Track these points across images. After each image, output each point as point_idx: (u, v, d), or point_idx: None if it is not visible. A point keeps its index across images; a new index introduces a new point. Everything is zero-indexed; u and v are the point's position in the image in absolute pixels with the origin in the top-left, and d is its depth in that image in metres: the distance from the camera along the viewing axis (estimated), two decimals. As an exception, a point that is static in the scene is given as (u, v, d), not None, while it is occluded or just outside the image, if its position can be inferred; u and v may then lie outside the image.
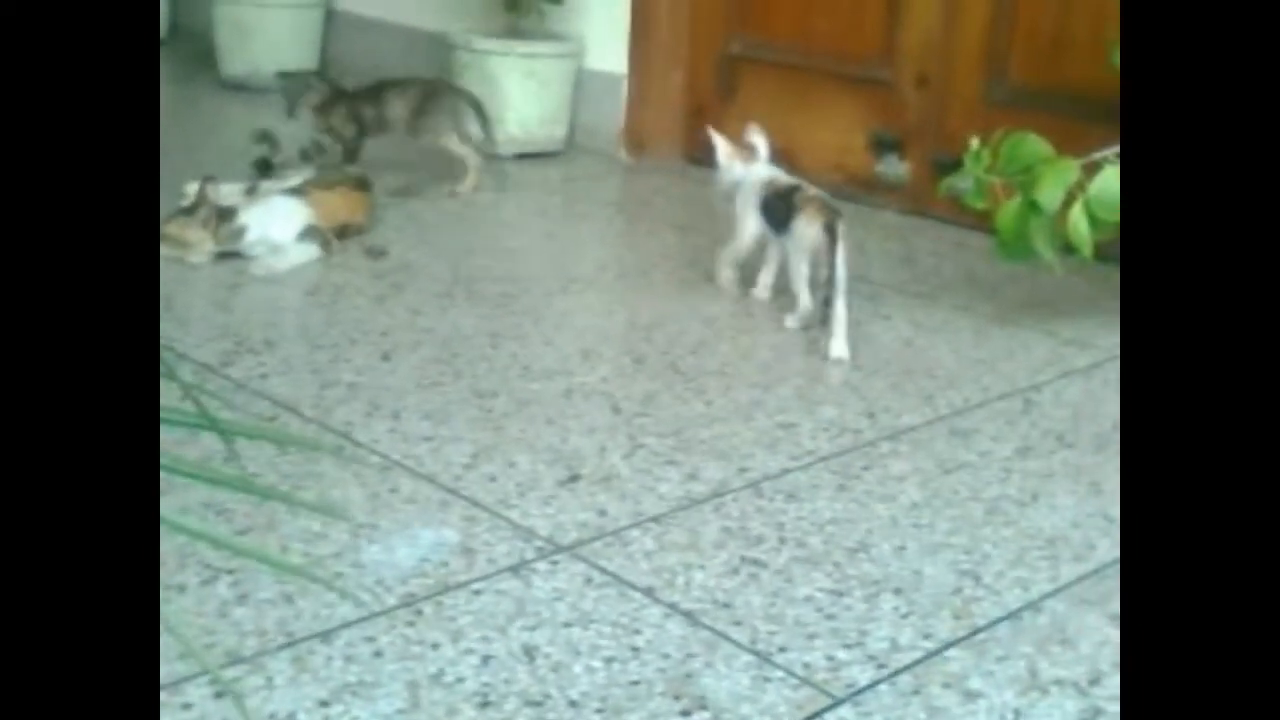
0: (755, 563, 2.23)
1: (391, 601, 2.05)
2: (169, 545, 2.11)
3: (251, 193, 3.69)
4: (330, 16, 5.36)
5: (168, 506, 1.24)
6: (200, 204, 3.48)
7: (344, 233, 3.67)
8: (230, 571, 2.08)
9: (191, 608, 1.98)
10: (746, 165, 3.42)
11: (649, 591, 2.13)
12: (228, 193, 3.62)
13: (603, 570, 2.18)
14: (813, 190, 3.33)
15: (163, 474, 1.16)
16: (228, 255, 3.49)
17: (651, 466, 2.56)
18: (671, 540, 2.29)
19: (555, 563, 2.20)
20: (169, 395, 2.30)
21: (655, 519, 2.36)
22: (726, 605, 2.10)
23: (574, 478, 2.49)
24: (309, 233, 3.56)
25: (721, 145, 3.45)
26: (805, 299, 3.26)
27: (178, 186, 3.68)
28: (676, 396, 2.89)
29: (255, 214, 3.53)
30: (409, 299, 3.37)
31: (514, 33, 4.62)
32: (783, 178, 3.41)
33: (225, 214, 3.49)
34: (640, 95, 4.77)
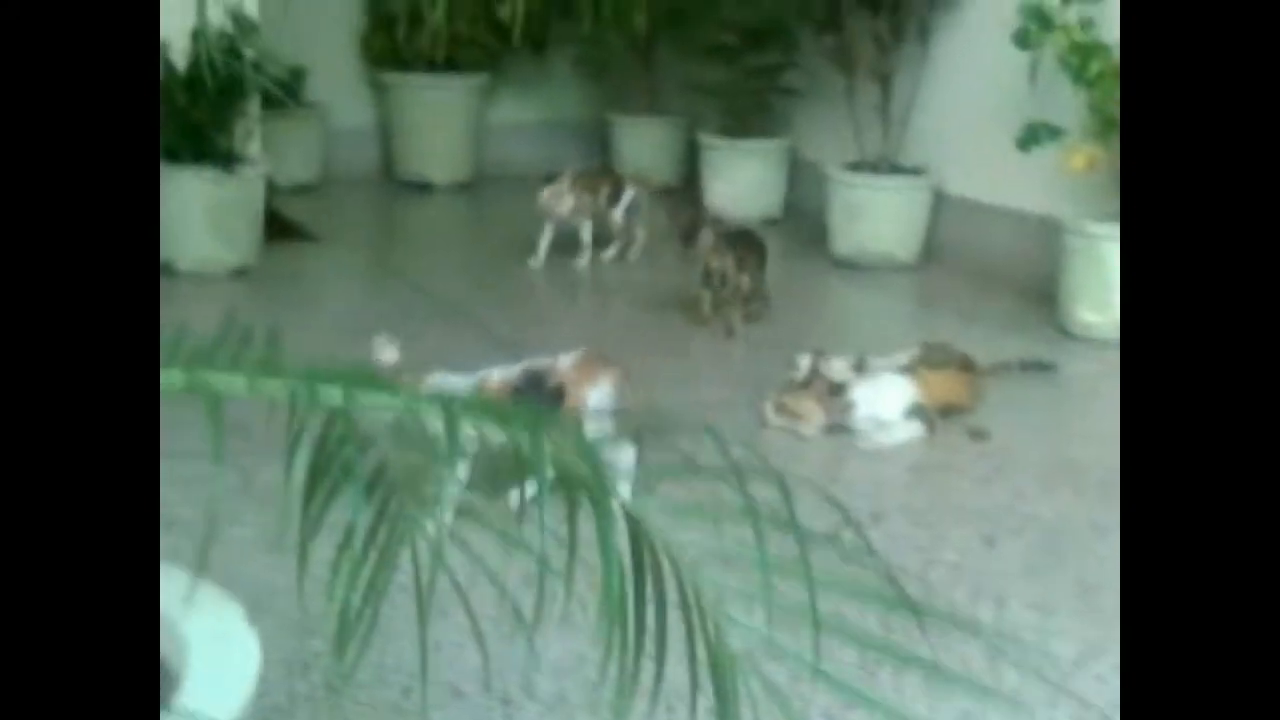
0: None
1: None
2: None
3: (860, 368, 3.83)
4: (939, 199, 5.50)
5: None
6: (813, 378, 3.66)
7: (948, 412, 3.72)
8: (840, 742, 2.14)
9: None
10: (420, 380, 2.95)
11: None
12: (838, 368, 3.78)
13: (1225, 794, 2.05)
14: (565, 359, 3.13)
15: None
16: (836, 428, 3.63)
17: (1278, 687, 2.38)
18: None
19: (1172, 779, 2.09)
20: (824, 559, 2.35)
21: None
22: None
23: (1190, 689, 2.37)
24: (915, 411, 3.64)
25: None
26: None
27: (790, 359, 3.88)
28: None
29: (864, 390, 3.66)
30: (1011, 482, 3.35)
31: (1127, 217, 4.54)
32: (496, 376, 3.09)
33: (836, 389, 3.64)
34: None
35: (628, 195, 5.31)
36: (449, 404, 1.36)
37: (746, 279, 4.53)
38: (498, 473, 1.50)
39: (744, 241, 4.63)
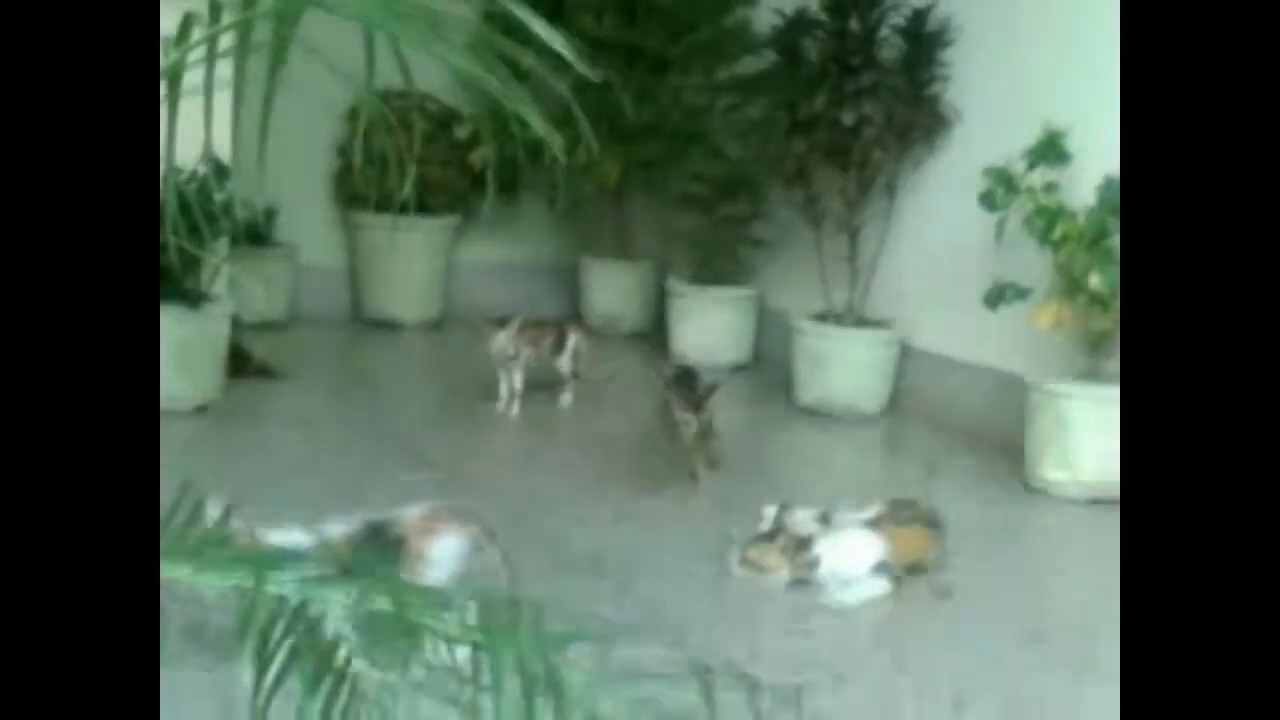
0: None
1: None
2: None
3: (826, 521, 3.80)
4: (905, 351, 5.53)
5: None
6: (779, 531, 3.62)
7: (913, 569, 3.69)
8: None
9: None
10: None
11: None
12: (802, 519, 3.74)
13: None
14: (412, 509, 3.03)
15: None
16: (800, 582, 3.58)
17: None
18: None
19: None
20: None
21: None
22: None
23: None
24: (880, 568, 3.60)
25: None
26: None
27: (755, 510, 3.85)
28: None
29: (830, 545, 3.62)
30: (978, 645, 3.31)
31: (1091, 375, 4.57)
32: (336, 529, 2.96)
33: (802, 543, 3.61)
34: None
35: (571, 342, 5.31)
36: (403, 596, 1.34)
37: (706, 419, 4.49)
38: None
39: (690, 380, 4.59)
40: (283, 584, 1.44)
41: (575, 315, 6.65)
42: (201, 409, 4.86)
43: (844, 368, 5.49)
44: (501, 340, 5.13)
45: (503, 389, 5.20)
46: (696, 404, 4.44)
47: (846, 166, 5.47)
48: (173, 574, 1.40)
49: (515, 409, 5.18)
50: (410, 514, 3.08)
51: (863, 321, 5.59)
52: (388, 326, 6.54)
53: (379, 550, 2.90)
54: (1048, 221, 4.40)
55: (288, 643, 1.38)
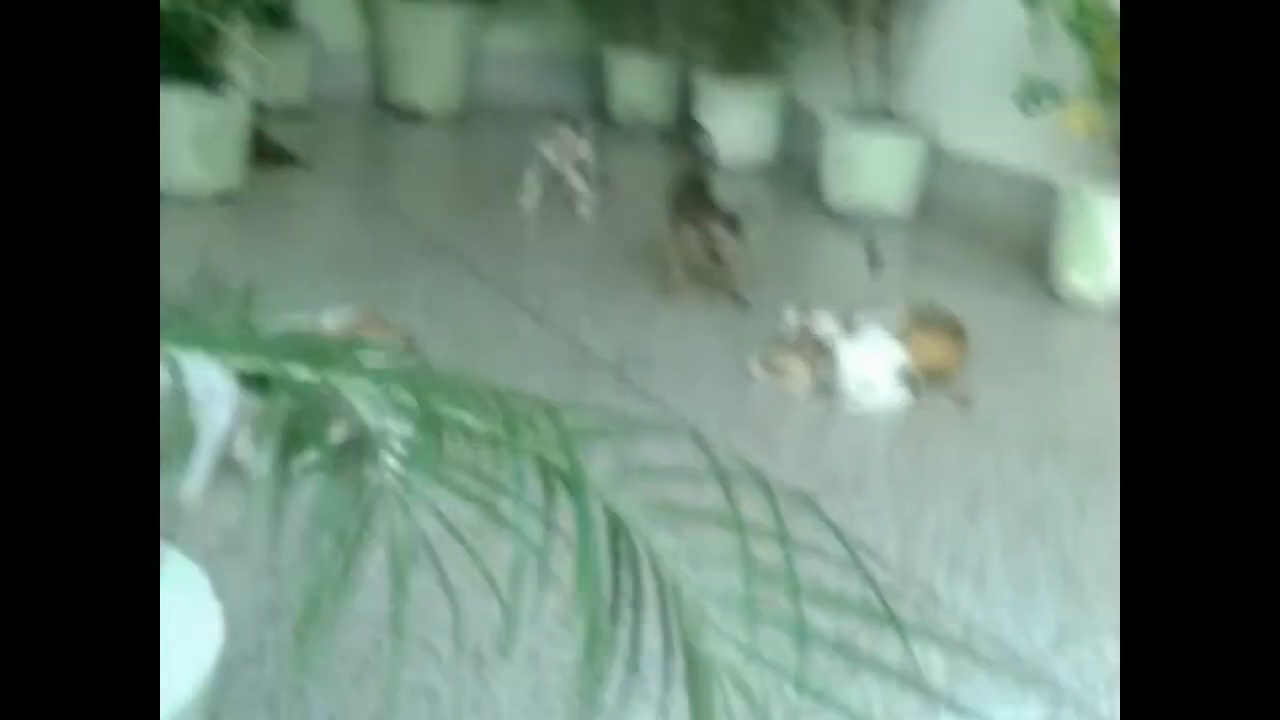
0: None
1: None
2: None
3: (848, 325, 3.78)
4: (934, 153, 5.44)
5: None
6: (802, 336, 3.62)
7: (934, 376, 3.69)
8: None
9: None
10: None
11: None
12: (825, 324, 3.72)
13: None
14: (331, 316, 2.98)
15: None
16: (821, 387, 3.59)
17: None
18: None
19: (1144, 770, 2.08)
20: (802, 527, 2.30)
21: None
22: None
23: (1166, 676, 2.36)
24: (902, 374, 3.60)
25: None
26: None
27: (777, 313, 3.83)
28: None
29: (852, 351, 3.62)
30: (995, 452, 3.33)
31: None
32: None
33: (824, 349, 3.60)
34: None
35: (586, 139, 5.18)
36: (421, 384, 1.33)
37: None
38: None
39: (700, 191, 4.46)
40: (300, 371, 1.41)
41: (599, 108, 6.54)
42: (224, 197, 4.82)
43: (872, 167, 5.41)
44: (573, 142, 5.06)
45: (530, 185, 5.13)
46: (728, 222, 4.30)
47: (882, -42, 5.30)
48: (184, 357, 1.38)
49: (542, 205, 5.14)
50: (329, 322, 2.99)
51: (893, 120, 5.48)
52: (410, 115, 6.44)
53: None
54: (1087, 22, 4.26)
55: (309, 427, 1.37)
